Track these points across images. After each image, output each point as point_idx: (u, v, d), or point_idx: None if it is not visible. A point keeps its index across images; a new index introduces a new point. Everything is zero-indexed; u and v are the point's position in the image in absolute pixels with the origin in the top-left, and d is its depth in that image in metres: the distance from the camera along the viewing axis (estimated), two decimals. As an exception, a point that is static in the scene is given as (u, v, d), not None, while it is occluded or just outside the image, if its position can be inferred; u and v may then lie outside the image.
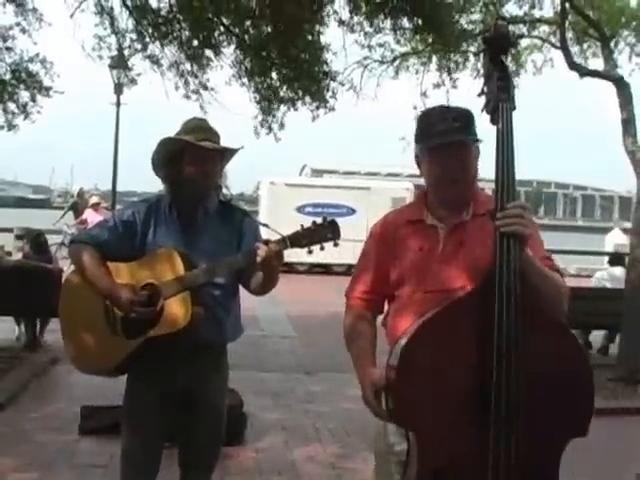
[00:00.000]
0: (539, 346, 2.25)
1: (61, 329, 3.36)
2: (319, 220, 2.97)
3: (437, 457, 2.32)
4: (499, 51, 2.48)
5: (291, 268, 20.45)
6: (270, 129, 13.05)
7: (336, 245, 2.98)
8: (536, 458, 2.27)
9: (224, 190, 3.42)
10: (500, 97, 2.41)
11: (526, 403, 2.21)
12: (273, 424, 6.31)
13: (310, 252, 2.97)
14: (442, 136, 2.56)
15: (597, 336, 10.31)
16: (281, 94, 12.61)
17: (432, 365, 2.30)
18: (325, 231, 2.96)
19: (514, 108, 2.43)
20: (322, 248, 2.95)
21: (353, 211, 21.07)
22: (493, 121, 2.42)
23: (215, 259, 3.11)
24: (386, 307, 2.85)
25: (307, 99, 12.59)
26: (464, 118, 2.61)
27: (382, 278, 2.76)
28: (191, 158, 3.17)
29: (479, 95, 2.49)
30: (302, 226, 2.96)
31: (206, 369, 3.28)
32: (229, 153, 3.31)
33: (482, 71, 2.61)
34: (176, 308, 3.05)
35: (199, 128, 3.24)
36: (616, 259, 11.55)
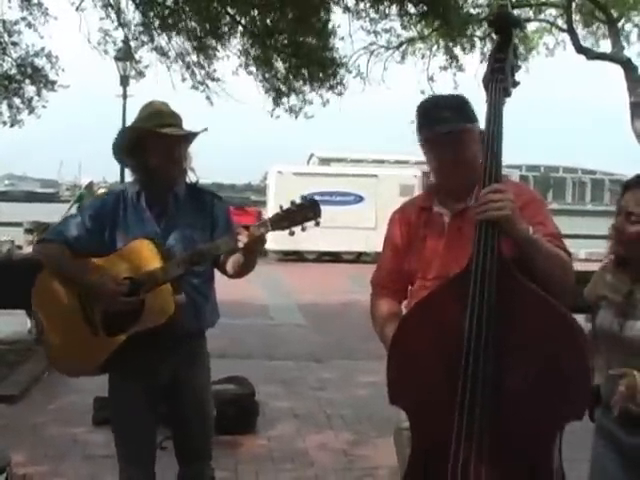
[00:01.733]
0: (530, 326, 2.25)
1: (38, 332, 3.30)
2: (298, 200, 2.86)
3: (427, 437, 2.38)
4: (498, 32, 2.49)
5: (300, 256, 20.48)
6: (292, 111, 13.04)
7: (317, 225, 2.86)
8: (524, 440, 2.26)
9: (190, 173, 3.29)
10: (492, 77, 2.41)
11: (508, 386, 2.21)
12: (285, 412, 6.32)
13: (292, 234, 2.87)
14: (432, 127, 2.58)
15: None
16: (290, 80, 12.61)
17: (418, 350, 2.37)
18: (306, 211, 2.85)
19: (509, 91, 2.44)
20: (303, 229, 2.85)
21: (361, 199, 21.06)
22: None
23: (193, 246, 3.06)
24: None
25: (315, 85, 12.58)
26: (454, 106, 2.61)
27: (402, 267, 2.79)
28: (154, 146, 3.07)
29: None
30: (281, 207, 2.87)
31: (188, 358, 3.24)
32: (192, 135, 3.19)
33: (488, 55, 2.62)
34: (159, 300, 2.99)
35: (159, 113, 3.13)
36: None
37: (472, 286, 2.24)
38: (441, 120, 2.55)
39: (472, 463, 2.22)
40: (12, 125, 12.78)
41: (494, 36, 2.59)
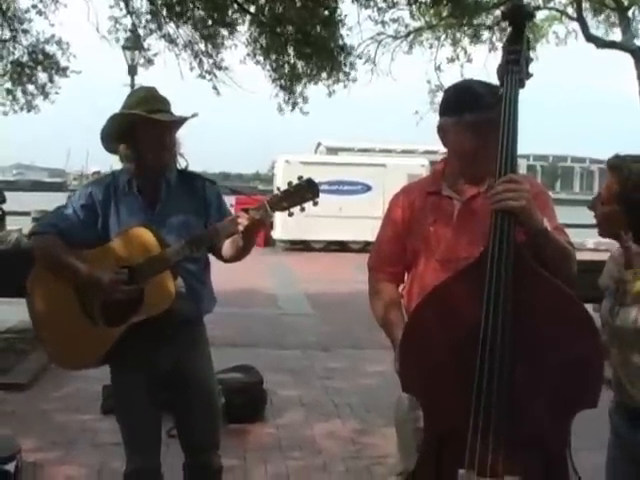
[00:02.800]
0: (543, 315, 2.26)
1: (34, 329, 3.24)
2: (296, 181, 2.84)
3: (440, 424, 2.37)
4: (512, 24, 2.46)
5: (307, 246, 20.48)
6: (294, 105, 13.06)
7: (315, 204, 2.84)
8: (540, 428, 2.27)
9: (180, 159, 3.26)
10: (507, 68, 2.41)
11: (523, 374, 2.22)
12: (293, 401, 6.34)
13: (291, 214, 2.85)
14: (481, 111, 2.54)
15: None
16: (298, 70, 12.60)
17: (432, 338, 2.36)
18: (303, 191, 2.82)
19: (523, 83, 2.43)
20: (302, 209, 2.84)
21: (369, 188, 21.02)
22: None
23: (188, 232, 3.04)
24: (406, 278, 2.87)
25: (323, 75, 12.57)
26: (495, 93, 2.53)
27: (402, 249, 2.79)
28: (145, 132, 3.04)
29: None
30: (279, 189, 2.86)
31: (188, 345, 3.22)
32: (182, 121, 3.15)
33: (496, 45, 2.62)
34: (158, 288, 2.96)
35: (148, 98, 3.09)
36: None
37: (488, 275, 2.25)
38: (490, 105, 2.49)
39: (489, 450, 2.22)
40: (28, 110, 12.90)
41: (503, 25, 2.58)
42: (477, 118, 2.57)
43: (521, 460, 2.25)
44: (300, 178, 2.85)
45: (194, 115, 3.13)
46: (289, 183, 2.84)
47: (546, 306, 2.27)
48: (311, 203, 2.84)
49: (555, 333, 2.25)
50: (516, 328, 2.22)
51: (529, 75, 2.48)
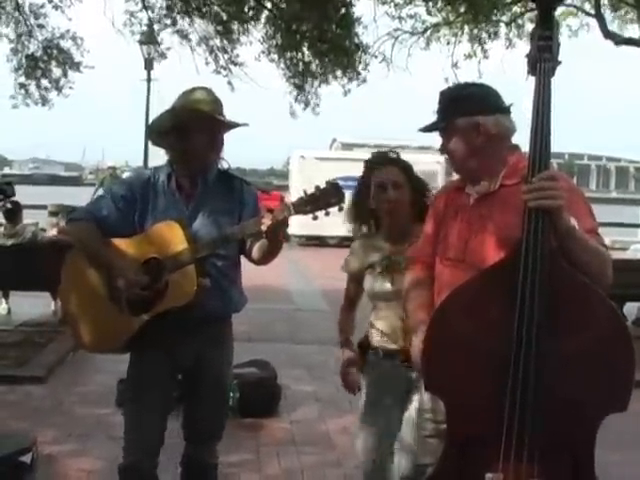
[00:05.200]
0: (574, 316, 2.22)
1: (63, 311, 3.30)
2: (323, 185, 2.88)
3: (465, 425, 2.34)
4: (541, 7, 2.38)
5: (322, 241, 20.47)
6: (307, 104, 13.05)
7: (341, 210, 2.95)
8: (570, 431, 2.24)
9: (223, 160, 3.34)
10: (539, 57, 2.30)
11: (555, 378, 2.18)
12: (307, 396, 6.35)
13: (315, 218, 2.89)
14: (439, 117, 2.67)
15: (632, 307, 10.21)
16: (312, 68, 12.58)
17: (461, 335, 2.33)
18: (328, 196, 2.86)
19: (554, 70, 2.32)
20: (327, 214, 2.87)
21: (384, 184, 20.96)
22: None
23: (218, 230, 3.10)
24: None
25: (339, 73, 12.54)
26: (443, 101, 2.65)
27: (435, 242, 2.79)
28: (202, 129, 3.12)
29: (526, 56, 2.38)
30: (305, 192, 2.89)
31: (212, 341, 3.25)
32: (233, 125, 3.25)
33: (513, 41, 2.59)
34: (182, 281, 3.02)
35: (208, 99, 3.18)
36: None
37: (522, 274, 2.19)
38: (438, 115, 2.65)
39: (523, 454, 2.19)
40: (43, 104, 12.95)
41: (519, 22, 2.55)
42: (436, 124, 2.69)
43: (549, 464, 2.22)
44: (328, 182, 2.89)
45: (245, 124, 3.26)
46: (316, 187, 2.87)
47: (580, 308, 2.23)
48: (337, 208, 2.89)
49: (586, 335, 2.22)
50: (549, 329, 2.18)
51: (558, 62, 2.35)
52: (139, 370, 3.28)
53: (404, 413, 3.21)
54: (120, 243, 3.16)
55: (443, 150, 2.69)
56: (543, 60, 2.29)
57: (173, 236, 3.07)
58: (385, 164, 3.33)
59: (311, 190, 2.87)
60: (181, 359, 3.21)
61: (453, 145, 2.63)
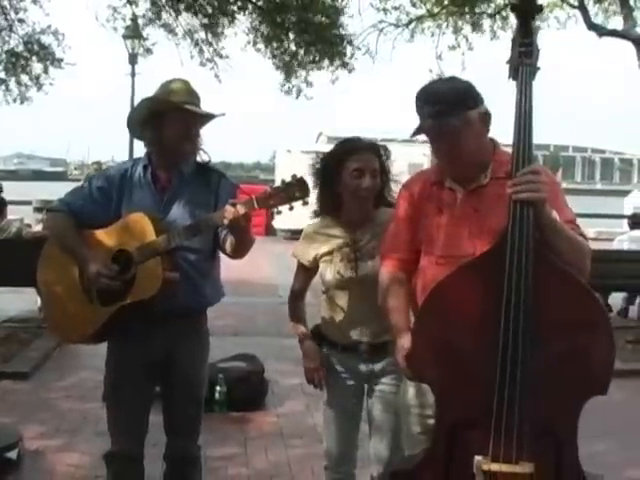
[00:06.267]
0: (557, 303, 2.28)
1: (40, 300, 3.35)
2: (288, 179, 2.84)
3: (454, 410, 2.39)
4: (522, 18, 2.45)
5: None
6: (298, 92, 13.04)
7: (305, 204, 2.85)
8: (553, 415, 2.30)
9: (202, 153, 3.31)
10: (521, 61, 2.40)
11: (539, 363, 2.24)
12: (294, 389, 6.34)
13: (279, 212, 2.84)
14: (425, 121, 2.57)
15: (617, 298, 10.27)
16: (299, 58, 12.57)
17: (449, 324, 2.38)
18: (293, 190, 2.80)
19: (534, 74, 2.41)
20: (291, 208, 2.81)
21: (370, 177, 20.97)
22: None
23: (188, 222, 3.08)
24: None
25: (325, 63, 12.53)
26: (448, 98, 2.54)
27: (409, 238, 2.77)
28: (175, 120, 3.13)
29: (507, 63, 2.46)
30: (270, 186, 2.87)
31: (184, 334, 3.24)
32: (210, 117, 3.25)
33: (497, 33, 2.60)
34: (148, 274, 3.01)
35: (183, 90, 3.18)
36: (636, 222, 11.47)
37: (508, 265, 2.26)
38: (435, 114, 2.53)
39: (512, 437, 2.25)
40: (22, 102, 12.81)
41: (504, 14, 2.56)
42: (420, 128, 2.61)
43: (534, 447, 2.27)
44: (294, 176, 2.85)
45: (222, 114, 3.24)
46: (282, 180, 2.83)
47: (561, 295, 2.30)
48: (300, 202, 2.83)
49: (568, 321, 2.29)
50: (534, 316, 2.25)
51: (538, 68, 2.45)
52: (114, 361, 3.31)
53: (366, 402, 3.38)
54: (95, 234, 3.18)
55: (447, 150, 2.60)
56: (524, 64, 2.40)
57: (142, 228, 3.06)
58: (364, 150, 3.20)
59: (277, 184, 2.85)
60: (151, 352, 3.20)
61: (464, 140, 2.55)
